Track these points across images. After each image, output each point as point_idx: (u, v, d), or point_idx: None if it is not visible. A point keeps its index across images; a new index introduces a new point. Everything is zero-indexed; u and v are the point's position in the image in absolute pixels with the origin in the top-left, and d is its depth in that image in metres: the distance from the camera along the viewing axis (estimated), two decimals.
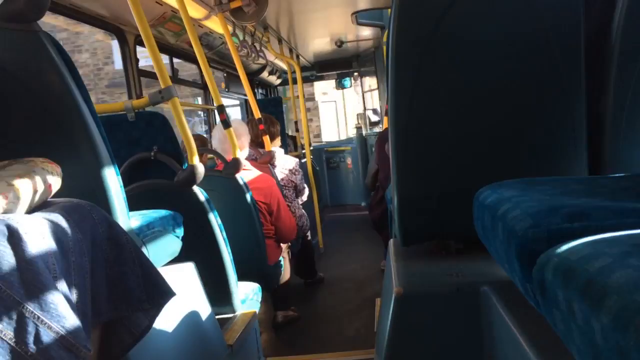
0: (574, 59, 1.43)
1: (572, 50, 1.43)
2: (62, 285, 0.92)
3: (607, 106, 1.45)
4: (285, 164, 3.80)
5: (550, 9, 1.40)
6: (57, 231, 0.97)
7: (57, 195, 1.16)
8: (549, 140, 1.48)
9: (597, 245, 0.67)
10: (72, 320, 0.90)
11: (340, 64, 7.46)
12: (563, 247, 0.73)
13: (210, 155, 3.28)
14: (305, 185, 4.00)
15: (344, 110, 13.68)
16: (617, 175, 1.44)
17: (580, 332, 0.61)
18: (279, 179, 3.60)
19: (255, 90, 6.39)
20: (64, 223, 1.01)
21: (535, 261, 0.78)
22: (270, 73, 6.63)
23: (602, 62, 1.44)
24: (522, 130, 1.47)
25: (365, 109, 8.18)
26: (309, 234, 4.06)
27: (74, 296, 0.96)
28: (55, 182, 1.16)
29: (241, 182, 2.81)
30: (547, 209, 0.89)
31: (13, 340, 0.82)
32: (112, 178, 1.40)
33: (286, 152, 4.46)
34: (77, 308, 0.95)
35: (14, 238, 0.87)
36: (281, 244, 3.29)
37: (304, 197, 4.02)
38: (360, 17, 4.64)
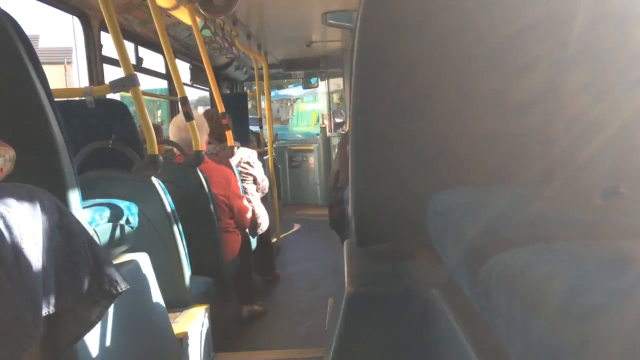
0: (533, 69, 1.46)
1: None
2: (9, 271, 0.89)
3: (568, 116, 1.49)
4: (242, 156, 3.78)
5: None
6: (6, 216, 0.94)
7: (8, 179, 1.13)
8: (506, 147, 1.51)
9: (539, 253, 0.70)
10: (15, 307, 0.88)
11: (308, 64, 7.44)
12: (508, 254, 0.75)
13: (168, 147, 3.23)
14: (266, 177, 3.98)
15: None
16: (570, 185, 1.48)
17: (520, 337, 0.63)
18: (238, 172, 3.58)
19: (221, 85, 6.34)
20: (13, 209, 0.99)
21: (482, 267, 0.80)
22: (237, 68, 6.59)
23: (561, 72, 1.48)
24: (478, 136, 1.50)
25: (330, 109, 8.21)
26: (267, 230, 4.04)
27: (22, 283, 0.94)
28: (7, 166, 1.13)
29: (200, 175, 2.79)
30: (497, 216, 0.92)
31: None
32: (66, 165, 1.37)
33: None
34: (27, 296, 0.93)
35: None
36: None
37: (265, 189, 3.99)
38: (330, 17, 4.65)
